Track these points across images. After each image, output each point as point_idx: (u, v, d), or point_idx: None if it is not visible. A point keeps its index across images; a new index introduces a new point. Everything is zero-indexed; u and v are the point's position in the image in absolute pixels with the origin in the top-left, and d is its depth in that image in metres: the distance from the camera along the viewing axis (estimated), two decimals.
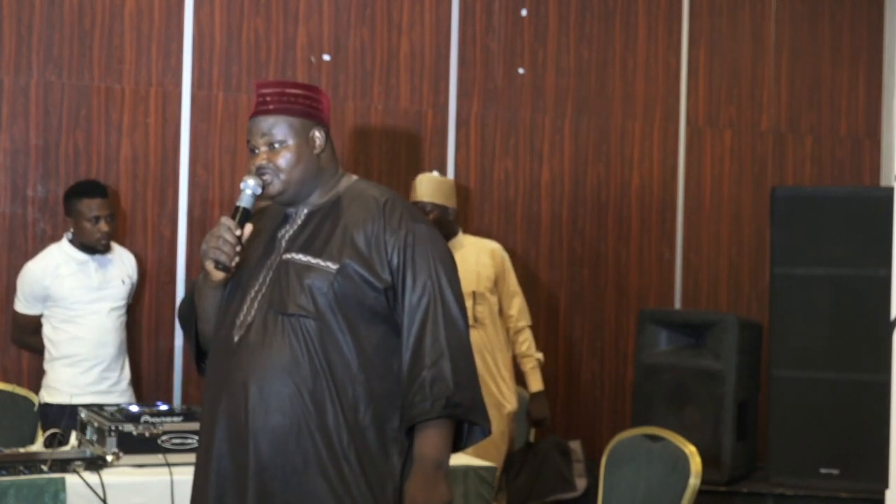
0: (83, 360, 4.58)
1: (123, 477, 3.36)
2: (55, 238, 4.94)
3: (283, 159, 2.81)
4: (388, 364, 2.71)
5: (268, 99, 2.83)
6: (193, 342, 2.92)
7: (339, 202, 2.82)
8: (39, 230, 4.98)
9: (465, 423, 2.73)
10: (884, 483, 3.58)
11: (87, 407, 3.82)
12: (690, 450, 3.69)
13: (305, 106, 2.86)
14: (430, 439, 2.67)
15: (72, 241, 4.63)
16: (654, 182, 5.88)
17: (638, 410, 5.12)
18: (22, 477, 3.26)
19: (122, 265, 4.72)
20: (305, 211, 2.82)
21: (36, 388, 4.63)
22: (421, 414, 2.64)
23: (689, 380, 4.99)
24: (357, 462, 2.64)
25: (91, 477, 3.29)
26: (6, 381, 4.68)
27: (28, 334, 4.72)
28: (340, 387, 2.65)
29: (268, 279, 2.74)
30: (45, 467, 3.32)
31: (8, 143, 4.97)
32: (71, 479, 3.28)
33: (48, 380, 4.63)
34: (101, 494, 3.27)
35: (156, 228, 5.13)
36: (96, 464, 3.38)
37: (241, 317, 2.72)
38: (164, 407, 3.73)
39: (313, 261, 2.71)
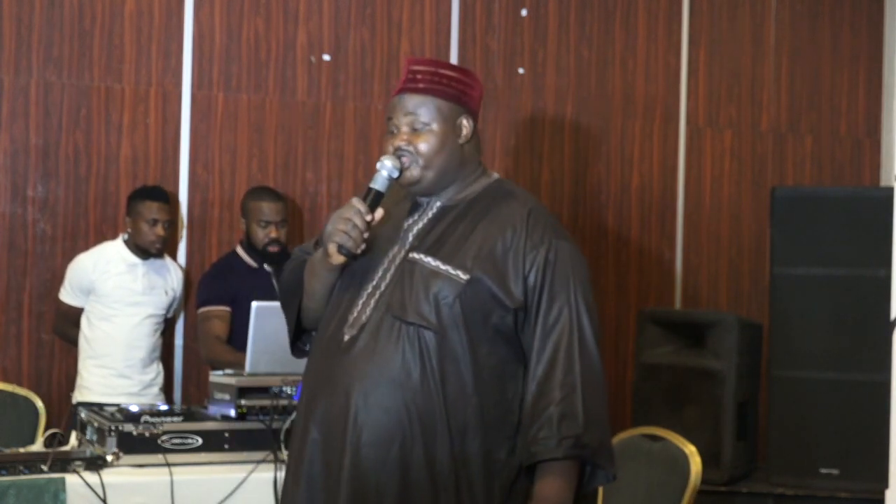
0: (114, 360, 4.65)
1: (123, 477, 3.36)
2: (54, 238, 4.96)
3: (426, 144, 2.55)
4: (502, 389, 2.49)
5: (418, 77, 2.57)
6: (294, 318, 2.69)
7: (477, 202, 2.59)
8: (39, 230, 4.98)
9: (589, 465, 2.48)
10: (884, 483, 3.58)
11: (89, 407, 3.83)
12: (690, 450, 3.69)
13: (457, 91, 2.59)
14: (553, 482, 2.42)
15: (126, 242, 4.73)
16: (654, 182, 5.88)
17: (638, 410, 5.12)
18: (22, 477, 3.26)
19: (168, 277, 4.82)
20: (438, 204, 2.60)
21: (36, 389, 4.66)
22: (545, 452, 2.41)
23: (689, 380, 4.99)
24: (455, 493, 2.43)
25: (91, 477, 3.29)
26: (6, 381, 4.69)
27: (69, 325, 4.79)
28: (452, 408, 2.43)
29: (388, 276, 2.53)
30: (45, 467, 3.32)
31: (8, 143, 4.97)
32: (71, 479, 3.28)
33: (82, 380, 4.71)
34: (101, 494, 3.27)
35: None
36: (96, 464, 3.38)
37: (355, 313, 2.51)
38: (164, 407, 3.73)
39: (442, 266, 2.48)
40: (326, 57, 5.36)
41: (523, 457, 2.45)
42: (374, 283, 2.54)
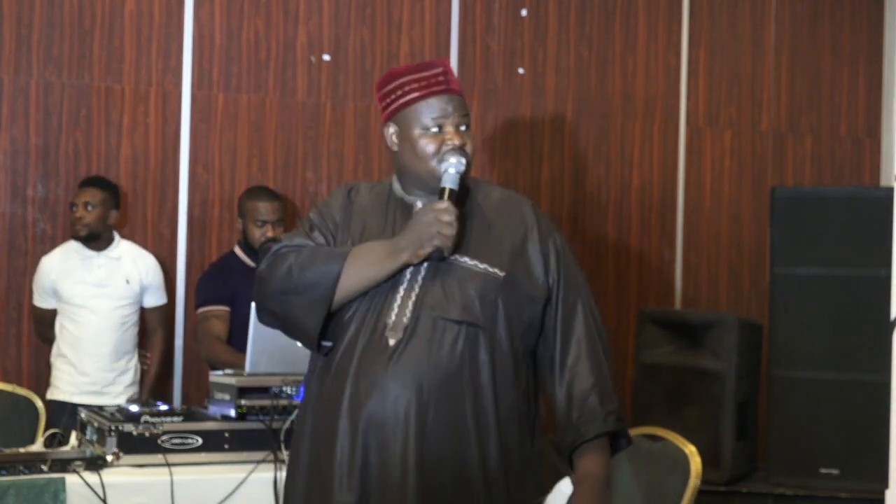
0: (79, 358, 4.64)
1: (123, 477, 3.36)
2: (54, 238, 4.96)
3: (471, 144, 2.62)
4: (528, 381, 2.61)
5: (450, 78, 2.65)
6: (324, 313, 2.57)
7: (472, 199, 2.65)
8: (39, 230, 4.98)
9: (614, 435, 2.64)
10: (884, 483, 3.57)
11: (87, 406, 3.83)
12: (690, 450, 3.68)
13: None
14: (599, 456, 2.57)
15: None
16: (654, 182, 5.88)
17: (638, 410, 5.11)
18: (22, 477, 3.26)
19: (132, 265, 4.76)
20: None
21: (36, 389, 4.64)
22: (595, 429, 2.55)
23: (689, 380, 4.99)
24: (504, 483, 2.53)
25: (91, 477, 3.29)
26: (6, 381, 4.68)
27: (46, 327, 4.79)
28: (500, 403, 2.53)
29: (420, 277, 2.55)
30: (45, 467, 3.32)
31: (8, 143, 4.97)
32: (71, 479, 3.28)
33: (52, 377, 4.71)
34: (101, 494, 3.26)
35: (156, 228, 5.13)
36: (96, 464, 3.38)
37: (393, 317, 2.52)
38: (164, 407, 3.73)
39: (480, 265, 2.55)
40: (326, 57, 5.36)
41: (571, 437, 2.56)
42: (405, 285, 2.55)
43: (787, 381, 4.96)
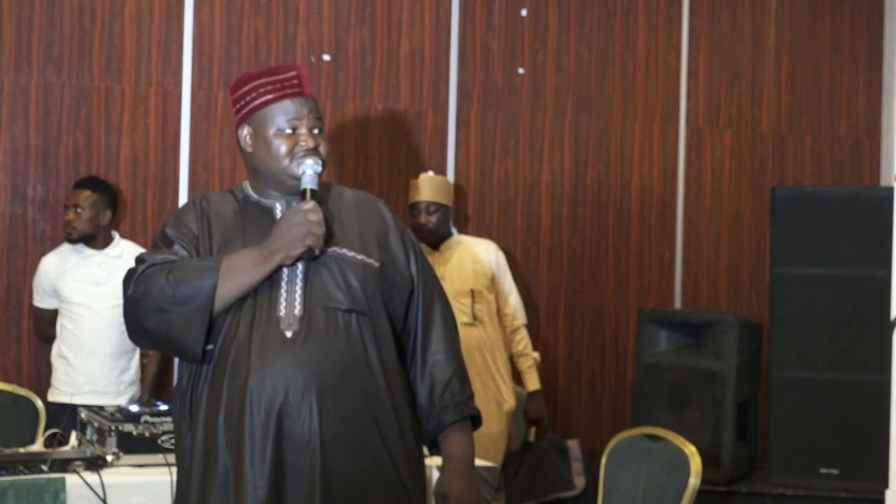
0: (79, 358, 4.62)
1: (123, 477, 3.36)
2: (54, 238, 4.95)
3: (325, 146, 2.65)
4: (405, 366, 2.71)
5: (304, 82, 2.68)
6: (207, 323, 2.56)
7: (331, 199, 2.70)
8: (39, 230, 4.98)
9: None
10: (884, 483, 3.58)
11: (87, 407, 3.83)
12: (690, 450, 3.68)
13: None
14: (466, 436, 2.70)
15: None
16: (654, 182, 5.88)
17: (638, 410, 5.12)
18: (22, 477, 3.27)
19: (130, 262, 4.70)
20: (295, 204, 2.64)
21: (36, 388, 4.65)
22: (461, 413, 2.68)
23: (689, 380, 4.99)
24: (406, 466, 2.61)
25: (91, 477, 3.29)
26: (6, 381, 4.69)
27: (47, 326, 4.77)
28: (392, 388, 2.60)
29: (298, 270, 2.57)
30: (45, 467, 3.32)
31: (8, 143, 4.98)
32: (71, 479, 3.28)
33: (52, 378, 4.69)
34: (101, 494, 3.27)
35: (156, 228, 5.13)
36: (96, 464, 3.38)
37: (283, 310, 2.54)
38: (164, 407, 3.73)
39: (359, 256, 2.61)
40: (326, 57, 5.36)
41: (437, 420, 2.67)
42: (286, 279, 2.58)
43: (787, 381, 4.97)
